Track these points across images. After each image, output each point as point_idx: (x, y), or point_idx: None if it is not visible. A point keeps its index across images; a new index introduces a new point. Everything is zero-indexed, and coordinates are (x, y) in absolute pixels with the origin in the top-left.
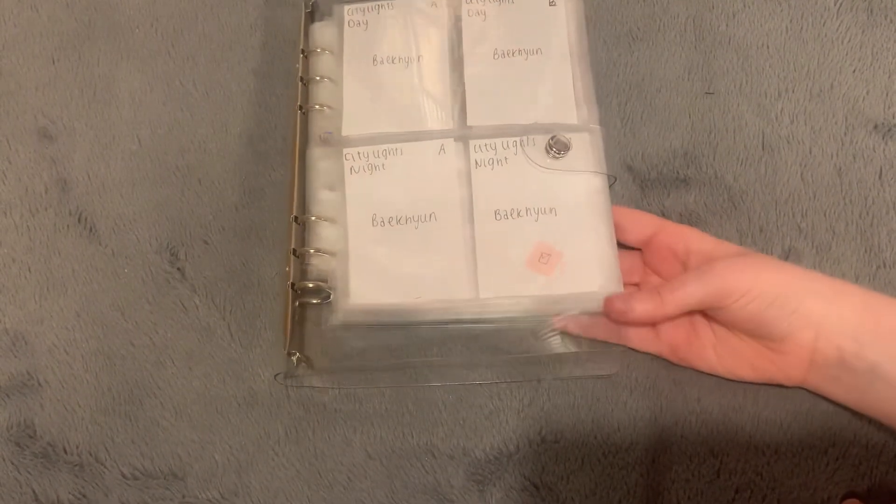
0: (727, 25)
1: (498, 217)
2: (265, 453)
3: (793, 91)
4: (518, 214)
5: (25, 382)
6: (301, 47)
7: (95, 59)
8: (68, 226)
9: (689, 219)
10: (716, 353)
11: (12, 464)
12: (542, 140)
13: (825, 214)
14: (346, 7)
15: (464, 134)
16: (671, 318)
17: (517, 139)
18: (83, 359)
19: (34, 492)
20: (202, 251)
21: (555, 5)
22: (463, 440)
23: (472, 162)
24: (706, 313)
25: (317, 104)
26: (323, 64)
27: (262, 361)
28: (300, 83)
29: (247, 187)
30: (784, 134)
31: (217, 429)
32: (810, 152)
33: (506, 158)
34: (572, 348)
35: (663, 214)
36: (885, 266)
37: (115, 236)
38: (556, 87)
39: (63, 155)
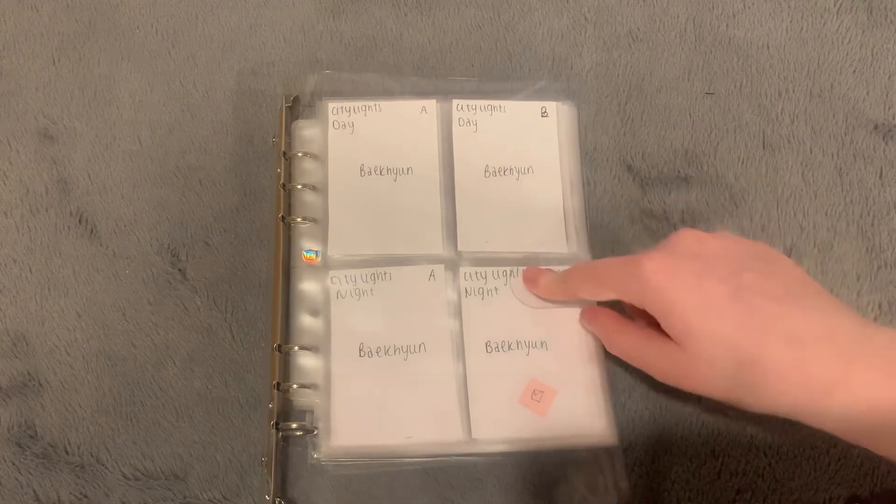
0: (727, 26)
1: (489, 349)
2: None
3: (793, 91)
4: (509, 347)
5: (26, 383)
6: (282, 149)
7: (96, 60)
8: (69, 227)
9: (691, 216)
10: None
11: (13, 464)
12: None
13: (826, 214)
14: (331, 105)
15: (454, 260)
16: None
17: (507, 269)
18: (84, 359)
19: (35, 492)
20: (203, 252)
21: (547, 116)
22: None
23: (462, 290)
24: None
25: (299, 218)
26: (306, 170)
27: (263, 363)
28: (281, 190)
29: (248, 188)
30: (784, 133)
31: (219, 430)
32: (811, 152)
33: (496, 289)
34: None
35: (665, 213)
36: (886, 266)
37: (116, 237)
38: (546, 213)
39: (63, 155)
